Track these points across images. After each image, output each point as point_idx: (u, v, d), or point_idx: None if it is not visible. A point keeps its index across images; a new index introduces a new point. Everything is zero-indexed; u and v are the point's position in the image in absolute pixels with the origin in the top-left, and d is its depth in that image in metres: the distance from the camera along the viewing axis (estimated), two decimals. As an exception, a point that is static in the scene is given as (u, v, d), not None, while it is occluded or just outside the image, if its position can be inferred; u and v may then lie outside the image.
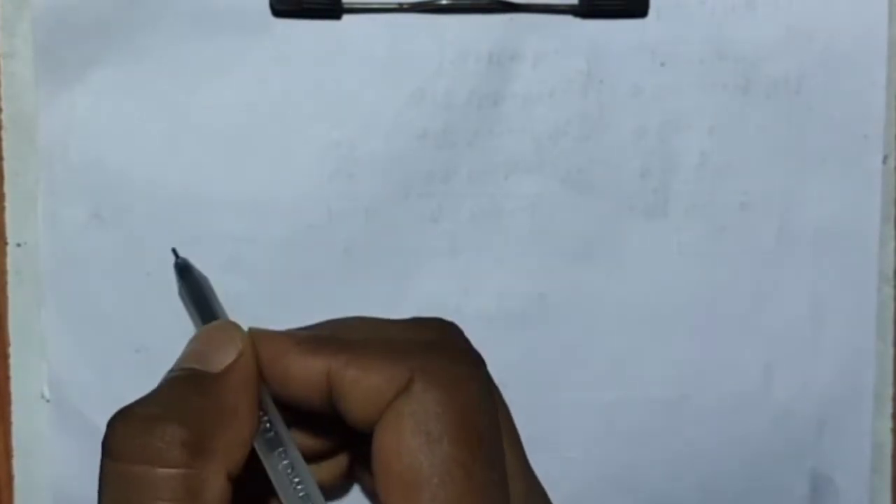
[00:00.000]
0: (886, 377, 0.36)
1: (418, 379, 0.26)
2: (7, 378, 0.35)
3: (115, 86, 0.34)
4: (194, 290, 0.32)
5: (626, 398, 0.36)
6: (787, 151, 0.35)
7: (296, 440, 0.29)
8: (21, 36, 0.34)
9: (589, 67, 0.35)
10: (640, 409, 0.36)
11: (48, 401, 0.35)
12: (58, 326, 0.34)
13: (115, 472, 0.25)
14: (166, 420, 0.25)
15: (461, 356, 0.28)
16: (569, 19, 0.35)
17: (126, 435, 0.25)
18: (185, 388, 0.27)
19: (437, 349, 0.27)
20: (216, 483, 0.25)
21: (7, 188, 0.34)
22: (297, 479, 0.28)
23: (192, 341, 0.29)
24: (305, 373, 0.27)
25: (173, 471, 0.24)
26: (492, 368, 0.28)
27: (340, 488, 0.34)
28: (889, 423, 0.37)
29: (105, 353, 0.34)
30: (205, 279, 0.33)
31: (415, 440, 0.25)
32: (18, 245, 0.34)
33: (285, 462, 0.28)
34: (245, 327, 0.29)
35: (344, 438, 0.31)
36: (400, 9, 0.34)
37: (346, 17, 0.34)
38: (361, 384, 0.26)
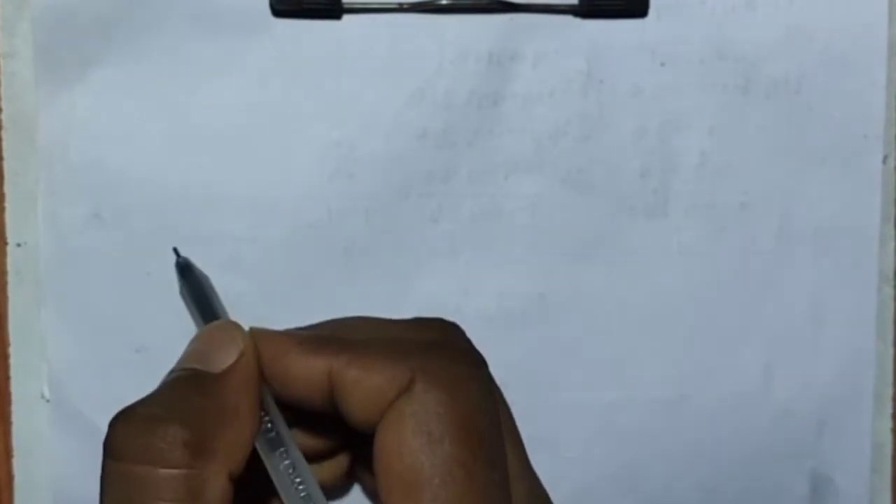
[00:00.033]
0: (886, 377, 0.36)
1: (420, 379, 0.26)
2: (7, 378, 0.35)
3: (115, 86, 0.34)
4: (195, 289, 0.32)
5: (626, 398, 0.36)
6: (787, 151, 0.35)
7: (296, 440, 0.29)
8: (21, 36, 0.34)
9: (589, 67, 0.35)
10: (640, 409, 0.36)
11: (48, 401, 0.35)
12: (58, 326, 0.34)
13: (116, 472, 0.25)
14: (168, 420, 0.25)
15: (463, 356, 0.28)
16: (569, 19, 0.35)
17: (128, 435, 0.25)
18: (187, 388, 0.27)
19: (439, 349, 0.27)
20: (218, 483, 0.25)
21: (7, 188, 0.34)
22: (298, 480, 0.28)
23: (194, 341, 0.29)
24: (307, 373, 0.27)
25: (175, 471, 0.24)
26: (492, 368, 0.28)
27: (341, 488, 0.34)
28: (889, 423, 0.37)
29: (105, 353, 0.34)
30: (206, 278, 0.33)
31: (416, 440, 0.25)
32: (18, 245, 0.34)
33: (287, 462, 0.28)
34: (246, 327, 0.29)
35: (344, 438, 0.31)
36: (400, 9, 0.34)
37: (346, 17, 0.34)
38: (363, 384, 0.26)
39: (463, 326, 0.30)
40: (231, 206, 0.34)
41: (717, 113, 0.35)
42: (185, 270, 0.33)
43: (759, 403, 0.36)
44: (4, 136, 0.34)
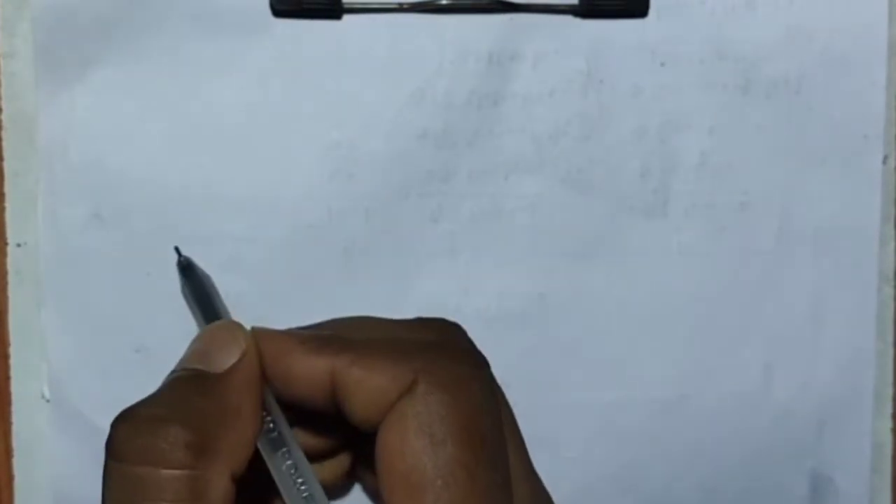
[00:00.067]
0: (886, 377, 0.36)
1: (422, 380, 0.26)
2: (7, 378, 0.35)
3: (115, 86, 0.34)
4: (197, 288, 0.32)
5: (626, 398, 0.36)
6: (787, 151, 0.35)
7: (298, 439, 0.29)
8: (21, 36, 0.34)
9: (589, 67, 0.35)
10: (640, 409, 0.36)
11: (48, 401, 0.35)
12: (58, 326, 0.34)
13: (118, 472, 0.25)
14: (170, 421, 0.25)
15: (465, 357, 0.28)
16: (569, 19, 0.35)
17: (130, 436, 0.25)
18: (189, 388, 0.27)
19: (441, 350, 0.27)
20: (220, 484, 0.25)
21: (7, 188, 0.34)
22: (300, 480, 0.28)
23: (195, 341, 0.29)
24: (309, 372, 0.27)
25: (177, 472, 0.24)
26: (492, 368, 0.28)
27: (342, 488, 0.34)
28: (889, 423, 0.37)
29: (105, 353, 0.34)
30: (207, 278, 0.33)
31: (418, 441, 0.25)
32: (18, 245, 0.34)
33: (289, 462, 0.28)
34: (247, 327, 0.29)
35: (345, 438, 0.31)
36: (400, 9, 0.34)
37: (346, 17, 0.34)
38: (365, 384, 0.26)
39: (463, 326, 0.30)
40: (231, 206, 0.34)
41: (717, 113, 0.35)
42: (187, 270, 0.33)
43: (759, 403, 0.36)
44: (4, 136, 0.34)
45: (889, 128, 0.36)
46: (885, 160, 0.36)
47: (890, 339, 0.36)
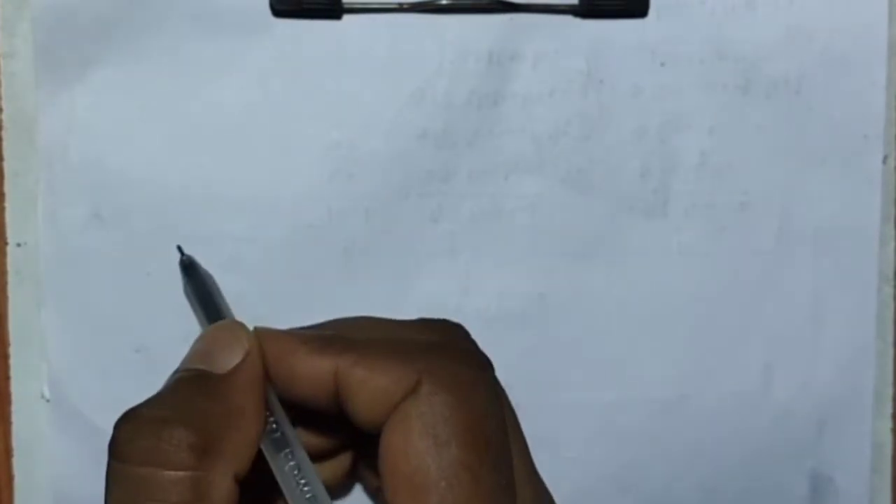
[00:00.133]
0: (886, 377, 0.36)
1: (426, 381, 0.26)
2: (7, 378, 0.35)
3: (115, 86, 0.34)
4: (199, 287, 0.32)
5: (626, 398, 0.36)
6: (787, 151, 0.35)
7: (300, 439, 0.29)
8: (21, 36, 0.34)
9: (589, 67, 0.35)
10: (640, 409, 0.36)
11: (48, 401, 0.35)
12: (58, 326, 0.34)
13: (121, 473, 0.25)
14: (174, 423, 0.25)
15: (469, 359, 0.28)
16: (569, 19, 0.35)
17: (133, 437, 0.25)
18: (192, 389, 0.27)
19: (445, 351, 0.27)
20: (223, 485, 0.25)
21: (7, 188, 0.34)
22: (303, 481, 0.28)
23: (198, 341, 0.29)
24: (312, 372, 0.27)
25: (181, 473, 0.24)
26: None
27: (343, 488, 0.34)
28: (889, 423, 0.37)
29: (105, 353, 0.34)
30: (210, 277, 0.33)
31: (422, 442, 0.25)
32: (18, 245, 0.34)
33: (292, 463, 0.28)
34: (249, 327, 0.29)
35: (347, 438, 0.31)
36: (400, 9, 0.34)
37: (346, 17, 0.34)
38: (369, 385, 0.26)
39: (463, 326, 0.30)
40: (231, 206, 0.34)
41: (717, 113, 0.35)
42: (189, 269, 0.33)
43: (759, 403, 0.36)
44: (4, 136, 0.34)
45: (889, 128, 0.36)
46: (885, 160, 0.36)
47: (890, 339, 0.36)
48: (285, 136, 0.34)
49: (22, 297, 0.34)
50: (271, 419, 0.28)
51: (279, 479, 0.28)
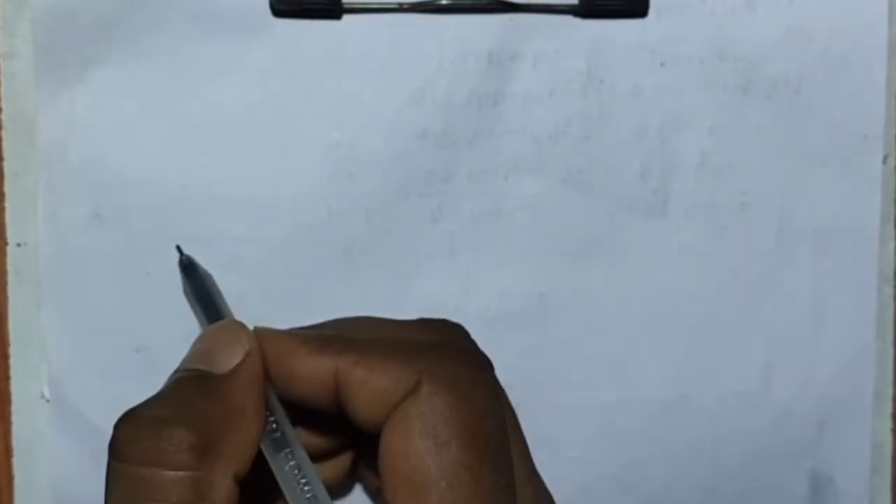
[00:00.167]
0: (886, 377, 0.36)
1: (426, 381, 0.26)
2: (7, 378, 0.35)
3: (115, 86, 0.34)
4: (199, 287, 0.32)
5: (626, 398, 0.36)
6: (787, 151, 0.35)
7: (300, 439, 0.29)
8: (21, 36, 0.34)
9: (589, 67, 0.35)
10: (640, 409, 0.36)
11: (48, 401, 0.35)
12: (58, 326, 0.34)
13: (122, 473, 0.25)
14: (174, 423, 0.25)
15: (469, 359, 0.28)
16: (569, 19, 0.35)
17: (133, 437, 0.25)
18: (192, 389, 0.27)
19: (445, 351, 0.27)
20: (223, 485, 0.25)
21: (7, 188, 0.34)
22: (303, 480, 0.28)
23: (198, 341, 0.29)
24: (312, 372, 0.27)
25: (181, 473, 0.24)
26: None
27: (343, 488, 0.34)
28: (889, 423, 0.37)
29: (105, 353, 0.34)
30: (209, 277, 0.33)
31: (422, 442, 0.25)
32: (18, 245, 0.34)
33: (292, 463, 0.28)
34: (249, 327, 0.29)
35: (347, 438, 0.31)
36: (400, 9, 0.34)
37: (346, 17, 0.34)
38: (369, 385, 0.26)
39: (464, 326, 0.30)
40: (231, 206, 0.34)
41: (717, 113, 0.35)
42: (189, 269, 0.33)
43: (759, 403, 0.36)
44: (4, 136, 0.34)
45: (889, 128, 0.36)
46: (885, 160, 0.36)
47: (890, 339, 0.36)
48: (285, 136, 0.34)
49: (22, 297, 0.34)
50: (271, 419, 0.28)
51: (279, 479, 0.28)
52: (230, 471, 0.26)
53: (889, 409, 0.37)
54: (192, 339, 0.29)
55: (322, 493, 0.28)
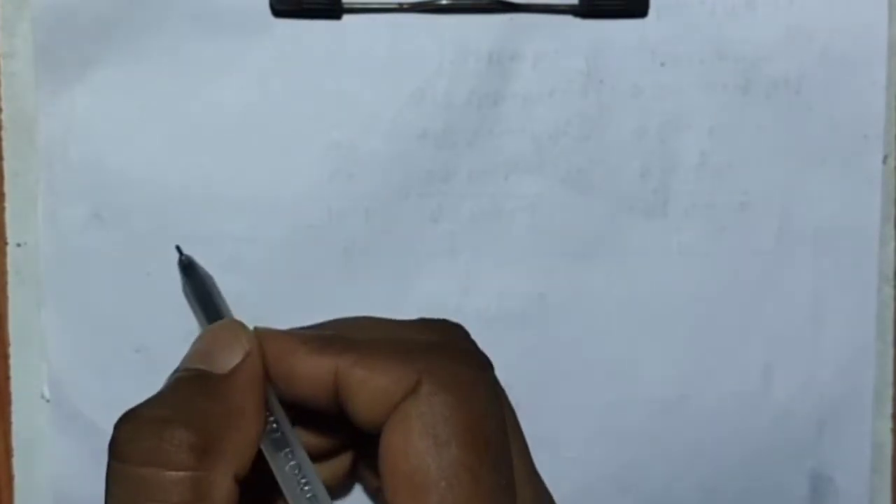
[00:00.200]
0: (886, 377, 0.36)
1: (426, 381, 0.26)
2: (7, 378, 0.35)
3: (115, 86, 0.34)
4: (198, 287, 0.32)
5: (626, 398, 0.36)
6: (787, 151, 0.35)
7: (300, 439, 0.29)
8: (21, 36, 0.34)
9: (589, 67, 0.35)
10: (640, 409, 0.36)
11: (48, 401, 0.35)
12: (58, 326, 0.34)
13: (122, 474, 0.25)
14: (174, 423, 0.25)
15: (469, 359, 0.28)
16: (569, 19, 0.35)
17: (133, 437, 0.25)
18: (192, 389, 0.27)
19: (445, 351, 0.27)
20: (223, 485, 0.25)
21: (7, 188, 0.34)
22: (303, 480, 0.28)
23: (198, 341, 0.29)
24: (312, 372, 0.27)
25: (181, 473, 0.24)
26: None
27: (343, 488, 0.34)
28: (889, 423, 0.37)
29: (105, 353, 0.34)
30: (209, 276, 0.33)
31: (422, 442, 0.25)
32: (18, 245, 0.34)
33: (292, 463, 0.28)
34: (249, 327, 0.29)
35: (347, 438, 0.31)
36: (400, 9, 0.34)
37: (346, 17, 0.34)
38: (369, 385, 0.26)
39: (463, 326, 0.30)
40: (231, 206, 0.34)
41: (717, 113, 0.35)
42: (189, 269, 0.33)
43: (759, 403, 0.36)
44: (4, 136, 0.34)
45: (889, 128, 0.36)
46: (885, 160, 0.36)
47: (890, 339, 0.36)
48: (285, 136, 0.34)
49: (22, 297, 0.34)
50: (271, 419, 0.28)
51: (279, 478, 0.28)
52: (230, 471, 0.26)
53: (889, 409, 0.37)
54: (192, 339, 0.29)
55: (322, 493, 0.28)
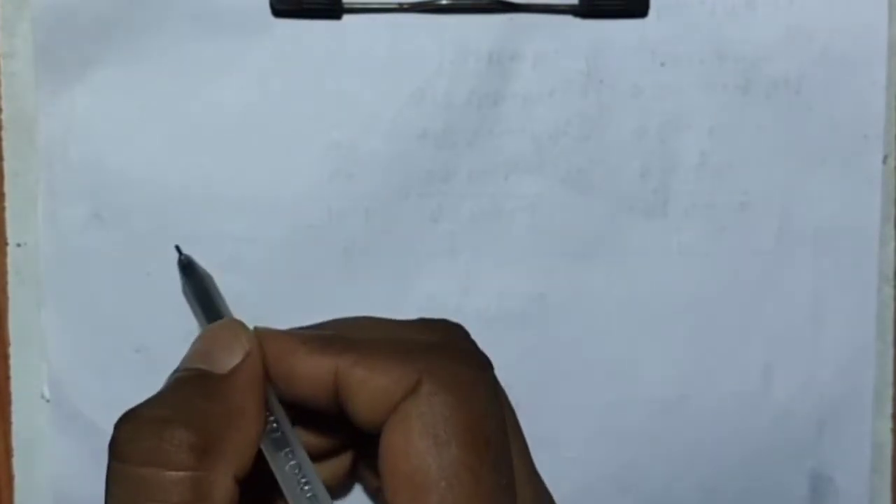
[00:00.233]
0: (886, 377, 0.36)
1: (426, 381, 0.26)
2: (7, 378, 0.35)
3: (115, 86, 0.34)
4: (198, 287, 0.32)
5: (626, 398, 0.36)
6: (787, 151, 0.35)
7: (300, 439, 0.29)
8: (21, 36, 0.34)
9: (589, 67, 0.35)
10: (640, 409, 0.36)
11: (48, 401, 0.35)
12: (58, 326, 0.34)
13: (122, 474, 0.25)
14: (174, 423, 0.25)
15: (469, 359, 0.28)
16: (569, 19, 0.35)
17: (133, 437, 0.25)
18: (192, 389, 0.27)
19: (445, 351, 0.27)
20: (223, 485, 0.25)
21: (7, 188, 0.34)
22: (304, 480, 0.28)
23: (198, 340, 0.29)
24: (312, 372, 0.27)
25: (181, 473, 0.24)
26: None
27: (343, 488, 0.34)
28: (889, 423, 0.37)
29: (105, 353, 0.34)
30: (208, 276, 0.33)
31: (423, 442, 0.25)
32: (18, 245, 0.34)
33: (292, 462, 0.28)
34: (249, 327, 0.29)
35: (347, 438, 0.31)
36: (400, 9, 0.34)
37: (346, 17, 0.34)
38: (369, 385, 0.26)
39: (463, 326, 0.30)
40: (231, 206, 0.34)
41: (717, 113, 0.35)
42: (188, 269, 0.33)
43: (759, 403, 0.36)
44: (4, 136, 0.34)
45: (889, 128, 0.36)
46: (885, 160, 0.36)
47: (890, 339, 0.36)
48: (285, 136, 0.34)
49: (22, 297, 0.34)
50: (271, 419, 0.28)
51: (279, 478, 0.28)
52: (230, 471, 0.26)
53: (889, 409, 0.37)
54: (192, 339, 0.29)
55: (322, 493, 0.28)
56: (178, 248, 0.33)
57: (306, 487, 0.27)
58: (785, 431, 0.36)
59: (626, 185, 0.35)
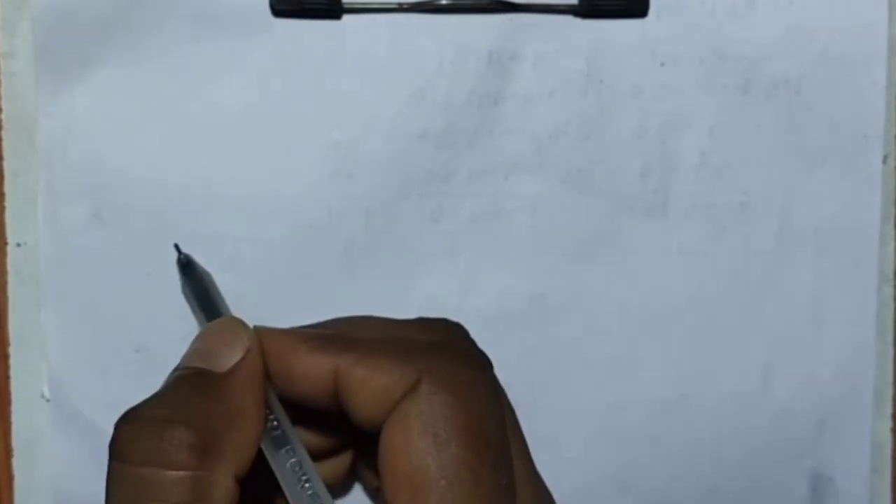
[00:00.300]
0: (886, 377, 0.36)
1: (426, 380, 0.26)
2: (7, 378, 0.35)
3: (115, 86, 0.34)
4: (197, 286, 0.32)
5: (626, 398, 0.36)
6: (787, 151, 0.35)
7: (300, 438, 0.29)
8: (21, 36, 0.34)
9: (589, 67, 0.35)
10: (640, 409, 0.36)
11: (48, 401, 0.35)
12: (58, 326, 0.34)
13: (122, 473, 0.25)
14: (174, 422, 0.25)
15: (469, 358, 0.28)
16: (569, 19, 0.35)
17: (134, 437, 0.25)
18: (192, 388, 0.27)
19: (445, 350, 0.27)
20: (224, 484, 0.25)
21: (7, 188, 0.34)
22: (304, 478, 0.28)
23: (198, 339, 0.29)
24: (312, 371, 0.27)
25: (181, 473, 0.24)
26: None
27: (343, 487, 0.34)
28: (889, 423, 0.37)
29: (105, 353, 0.34)
30: (208, 275, 0.33)
31: (422, 442, 0.25)
32: (18, 245, 0.34)
33: (293, 461, 0.28)
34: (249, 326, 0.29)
35: (347, 437, 0.31)
36: (400, 9, 0.34)
37: (346, 17, 0.34)
38: (369, 384, 0.26)
39: (463, 326, 0.30)
40: (231, 206, 0.34)
41: (717, 113, 0.35)
42: (187, 267, 0.33)
43: (759, 403, 0.36)
44: (4, 136, 0.34)
45: (889, 128, 0.36)
46: (885, 160, 0.36)
47: (890, 339, 0.36)
48: (285, 136, 0.34)
49: (22, 297, 0.34)
50: (271, 417, 0.28)
51: (280, 477, 0.28)
52: (231, 470, 0.26)
53: (889, 409, 0.37)
54: (192, 338, 0.29)
55: (323, 491, 0.28)
56: (177, 247, 0.33)
57: (307, 485, 0.27)
58: (785, 431, 0.36)
59: (626, 185, 0.35)
